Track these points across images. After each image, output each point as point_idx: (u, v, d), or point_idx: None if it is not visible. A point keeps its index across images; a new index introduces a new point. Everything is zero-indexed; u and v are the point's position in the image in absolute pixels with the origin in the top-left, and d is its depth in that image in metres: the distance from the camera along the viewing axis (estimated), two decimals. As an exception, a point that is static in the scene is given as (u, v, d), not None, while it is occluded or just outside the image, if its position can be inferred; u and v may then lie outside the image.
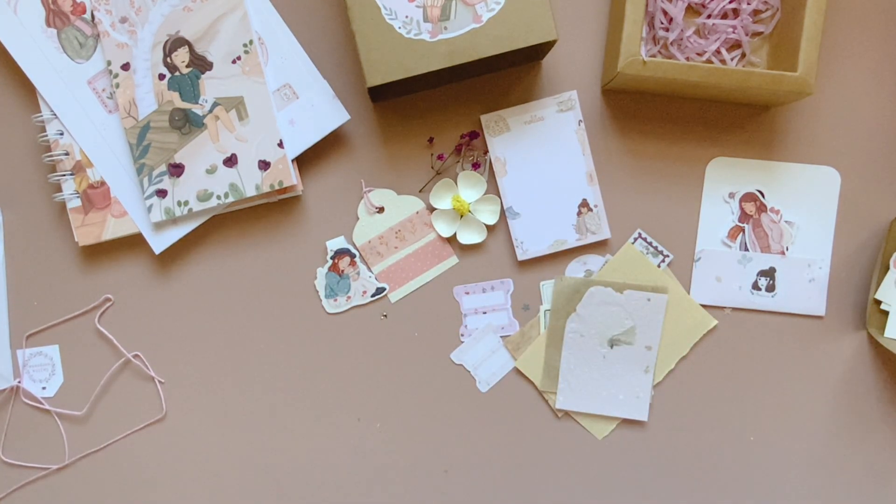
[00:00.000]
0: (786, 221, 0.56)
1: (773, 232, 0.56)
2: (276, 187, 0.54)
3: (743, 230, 0.56)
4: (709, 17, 0.55)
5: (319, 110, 0.55)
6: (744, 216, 0.56)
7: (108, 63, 0.55)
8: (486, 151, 0.57)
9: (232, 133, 0.55)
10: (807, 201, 0.57)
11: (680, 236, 0.57)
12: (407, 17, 0.50)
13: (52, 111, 0.56)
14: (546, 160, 0.56)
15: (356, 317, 0.57)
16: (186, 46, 0.54)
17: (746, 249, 0.56)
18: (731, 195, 0.57)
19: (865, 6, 0.57)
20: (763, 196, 0.56)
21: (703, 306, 0.56)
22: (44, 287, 0.57)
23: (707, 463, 0.57)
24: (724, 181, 0.57)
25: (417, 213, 0.57)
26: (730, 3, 0.55)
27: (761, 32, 0.56)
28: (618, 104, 0.57)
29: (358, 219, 0.57)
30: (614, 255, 0.57)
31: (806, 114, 0.57)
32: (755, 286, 0.56)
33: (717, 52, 0.56)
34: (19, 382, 0.57)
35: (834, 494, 0.56)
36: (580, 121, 0.56)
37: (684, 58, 0.55)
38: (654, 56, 0.56)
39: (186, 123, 0.54)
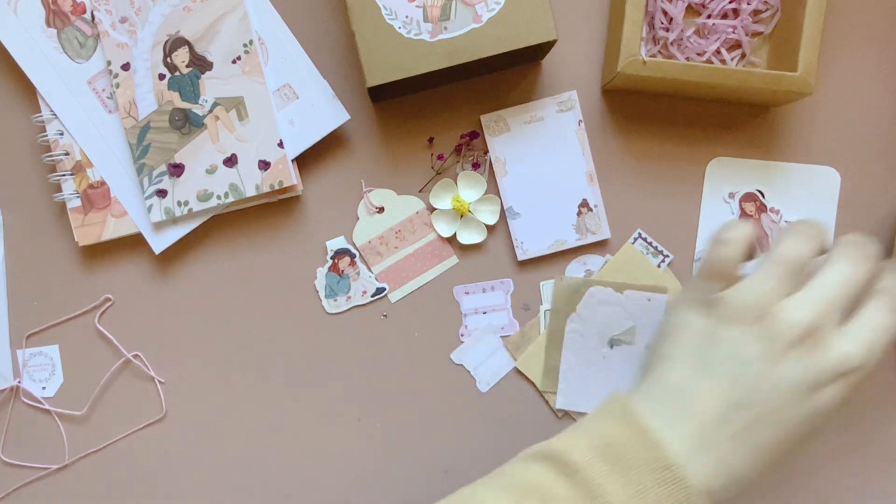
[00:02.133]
0: (786, 221, 0.56)
1: (773, 232, 0.56)
2: (276, 187, 0.54)
3: None
4: (709, 17, 0.55)
5: (319, 110, 0.55)
6: (744, 216, 0.56)
7: (108, 63, 0.55)
8: (486, 151, 0.57)
9: (232, 133, 0.55)
10: (807, 201, 0.57)
11: (680, 236, 0.57)
12: (407, 17, 0.50)
13: (52, 111, 0.56)
14: (546, 160, 0.56)
15: (356, 317, 0.57)
16: (186, 46, 0.54)
17: None
18: (731, 195, 0.57)
19: (865, 6, 0.57)
20: (763, 196, 0.56)
21: None
22: (44, 287, 0.57)
23: (707, 463, 0.57)
24: (724, 181, 0.57)
25: (417, 213, 0.57)
26: (730, 3, 0.55)
27: (761, 32, 0.56)
28: (618, 104, 0.57)
29: (358, 219, 0.57)
30: (614, 255, 0.57)
31: (806, 114, 0.57)
32: (755, 286, 0.56)
33: (717, 52, 0.56)
34: (19, 382, 0.57)
35: (834, 494, 0.56)
36: (580, 121, 0.56)
37: (684, 58, 0.55)
38: (654, 56, 0.56)
39: (186, 123, 0.55)
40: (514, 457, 0.45)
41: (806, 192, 0.57)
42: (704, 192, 0.57)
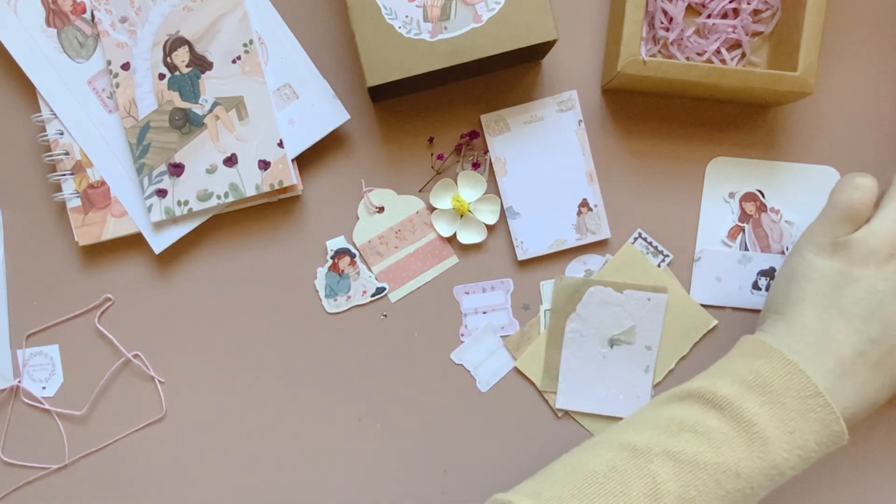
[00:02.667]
0: (786, 221, 0.56)
1: (773, 232, 0.56)
2: (276, 187, 0.54)
3: (743, 230, 0.56)
4: (709, 17, 0.55)
5: (319, 110, 0.55)
6: (744, 216, 0.56)
7: (108, 63, 0.55)
8: (486, 151, 0.57)
9: (232, 133, 0.55)
10: (807, 201, 0.57)
11: (680, 236, 0.57)
12: (407, 16, 0.50)
13: (52, 111, 0.56)
14: (546, 160, 0.56)
15: (356, 317, 0.57)
16: (186, 46, 0.54)
17: (746, 249, 0.56)
18: (731, 195, 0.57)
19: (865, 6, 0.57)
20: (763, 196, 0.56)
21: (703, 306, 0.56)
22: (44, 287, 0.57)
23: (707, 463, 0.57)
24: (724, 181, 0.57)
25: (417, 213, 0.57)
26: (730, 3, 0.55)
27: (761, 32, 0.56)
28: (618, 104, 0.57)
29: (358, 219, 0.57)
30: (614, 255, 0.57)
31: (806, 114, 0.57)
32: (755, 286, 0.56)
33: (717, 52, 0.56)
34: (19, 382, 0.57)
35: (832, 493, 0.56)
36: (580, 121, 0.56)
37: (684, 58, 0.55)
38: (654, 56, 0.56)
39: (186, 123, 0.55)
40: (645, 404, 0.48)
41: (806, 191, 0.57)
42: (704, 191, 0.57)
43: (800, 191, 0.56)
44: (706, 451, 0.43)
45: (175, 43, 0.54)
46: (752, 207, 0.56)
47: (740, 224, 0.56)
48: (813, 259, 0.47)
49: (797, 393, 0.44)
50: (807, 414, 0.44)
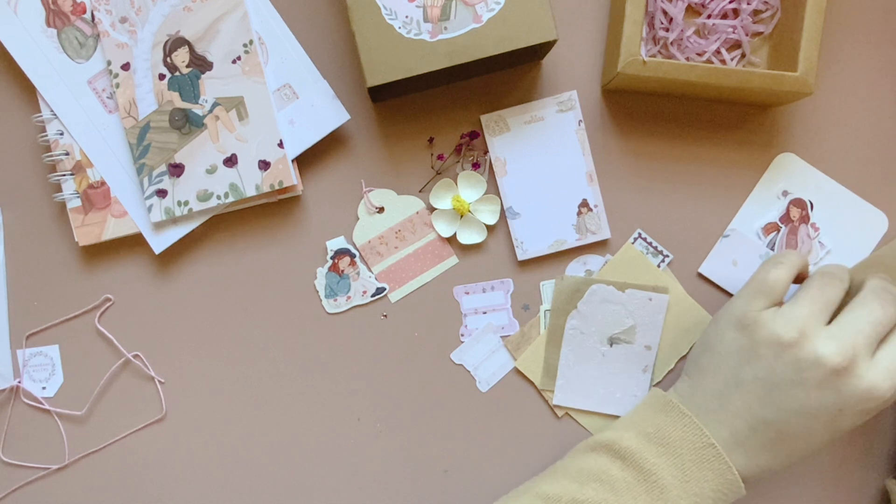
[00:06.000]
0: (819, 241, 0.56)
1: (804, 245, 0.56)
2: (276, 187, 0.54)
3: (778, 230, 0.56)
4: (709, 17, 0.55)
5: (319, 110, 0.55)
6: (786, 218, 0.56)
7: (108, 63, 0.55)
8: (486, 151, 0.57)
9: (232, 133, 0.55)
10: (847, 234, 0.56)
11: (680, 236, 0.57)
12: (407, 17, 0.51)
13: (52, 111, 0.56)
14: (546, 160, 0.56)
15: (356, 317, 0.57)
16: (186, 46, 0.54)
17: (773, 250, 0.56)
18: (785, 193, 0.56)
19: (865, 6, 0.57)
20: (811, 208, 0.56)
21: (707, 280, 0.56)
22: (44, 287, 0.57)
23: (707, 463, 0.57)
24: (784, 177, 0.56)
25: (417, 213, 0.57)
26: (730, 3, 0.55)
27: (761, 32, 0.56)
28: (618, 104, 0.57)
29: (358, 219, 0.57)
30: (614, 255, 0.57)
31: (806, 114, 0.57)
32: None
33: (717, 52, 0.56)
34: (19, 382, 0.57)
35: (832, 492, 0.56)
36: (580, 121, 0.56)
37: (684, 58, 0.56)
38: (654, 56, 0.56)
39: (186, 123, 0.55)
40: (566, 454, 0.51)
41: (851, 224, 0.56)
42: (762, 178, 0.56)
43: (846, 220, 0.56)
44: (609, 499, 0.46)
45: (175, 43, 0.54)
46: (797, 213, 0.56)
47: (779, 223, 0.56)
48: (724, 331, 0.49)
49: (692, 444, 0.47)
50: (701, 464, 0.46)
